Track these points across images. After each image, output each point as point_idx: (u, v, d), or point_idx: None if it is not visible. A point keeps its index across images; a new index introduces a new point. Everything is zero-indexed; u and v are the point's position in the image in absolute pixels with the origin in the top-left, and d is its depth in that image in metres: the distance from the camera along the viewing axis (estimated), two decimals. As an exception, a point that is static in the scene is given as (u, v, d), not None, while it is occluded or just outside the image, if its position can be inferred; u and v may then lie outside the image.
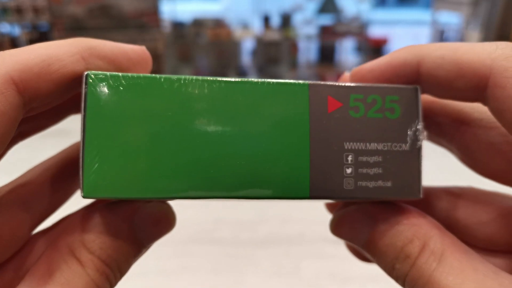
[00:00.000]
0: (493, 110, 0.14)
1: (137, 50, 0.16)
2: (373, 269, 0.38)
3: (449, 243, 0.14)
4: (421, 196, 0.15)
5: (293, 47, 2.61)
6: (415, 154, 0.15)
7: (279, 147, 0.14)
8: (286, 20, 2.57)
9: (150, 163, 0.14)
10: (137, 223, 0.15)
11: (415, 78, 0.16)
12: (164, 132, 0.14)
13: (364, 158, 0.15)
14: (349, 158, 0.15)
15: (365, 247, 0.16)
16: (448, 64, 0.15)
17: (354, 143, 0.15)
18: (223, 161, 0.14)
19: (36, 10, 2.22)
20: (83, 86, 0.14)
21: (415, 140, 0.15)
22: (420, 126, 0.15)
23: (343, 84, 0.15)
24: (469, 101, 0.16)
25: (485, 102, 0.15)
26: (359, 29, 2.57)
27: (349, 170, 0.15)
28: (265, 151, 0.14)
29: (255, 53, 2.68)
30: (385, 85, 0.15)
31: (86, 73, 0.14)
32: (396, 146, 0.15)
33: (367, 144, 0.15)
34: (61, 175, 0.18)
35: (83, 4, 2.01)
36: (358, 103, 0.15)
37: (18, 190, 0.17)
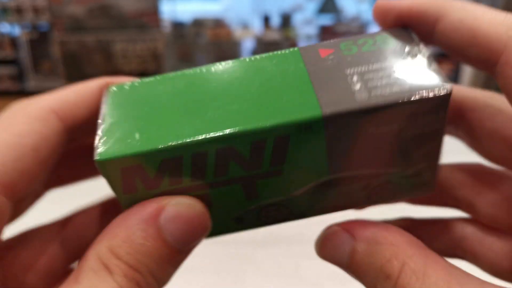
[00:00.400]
0: (502, 87, 0.14)
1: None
2: (373, 269, 0.38)
3: (431, 262, 0.13)
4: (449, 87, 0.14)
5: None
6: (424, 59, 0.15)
7: (282, 86, 0.14)
8: (286, 20, 2.57)
9: (163, 120, 0.14)
10: (163, 225, 0.14)
11: (430, 30, 0.16)
12: (176, 97, 0.15)
13: (371, 75, 0.14)
14: (354, 78, 0.14)
15: (348, 268, 0.15)
16: (465, 29, 0.14)
17: (356, 68, 0.14)
18: (232, 102, 0.14)
19: (36, 10, 2.22)
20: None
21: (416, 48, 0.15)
22: (415, 38, 0.15)
23: (331, 40, 0.16)
24: (477, 68, 0.16)
25: (494, 75, 0.14)
26: (359, 29, 2.58)
27: (357, 86, 0.14)
28: (270, 90, 0.14)
29: (255, 53, 2.67)
30: (374, 32, 0.16)
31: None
32: (399, 59, 0.15)
33: (370, 65, 0.15)
34: (103, 218, 0.19)
35: (83, 4, 2.01)
36: (350, 46, 0.15)
37: (58, 228, 0.19)
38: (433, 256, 0.14)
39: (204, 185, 0.15)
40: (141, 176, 0.14)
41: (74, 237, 0.19)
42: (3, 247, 0.17)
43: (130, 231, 0.14)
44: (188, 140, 0.14)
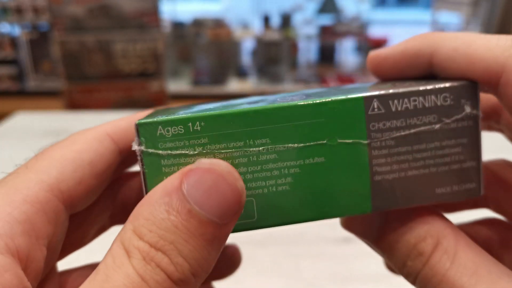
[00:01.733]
0: (506, 107, 0.14)
1: None
2: (373, 269, 0.38)
3: (462, 243, 0.14)
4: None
5: (293, 47, 2.61)
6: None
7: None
8: (286, 20, 2.57)
9: None
10: (187, 192, 0.12)
11: (428, 68, 0.16)
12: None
13: None
14: None
15: (376, 243, 0.16)
16: (461, 58, 0.15)
17: None
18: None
19: (36, 10, 2.22)
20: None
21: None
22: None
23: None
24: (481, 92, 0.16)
25: (498, 97, 0.15)
26: (359, 29, 2.57)
27: None
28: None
29: (255, 53, 2.68)
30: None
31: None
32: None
33: None
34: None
35: (83, 4, 2.01)
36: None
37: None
38: (465, 238, 0.14)
39: None
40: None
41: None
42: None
43: (153, 207, 0.12)
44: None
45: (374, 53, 0.17)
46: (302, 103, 0.14)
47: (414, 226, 0.15)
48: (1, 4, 2.21)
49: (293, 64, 2.62)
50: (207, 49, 2.54)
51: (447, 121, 0.15)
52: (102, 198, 0.19)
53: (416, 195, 0.15)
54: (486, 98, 0.17)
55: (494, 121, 0.18)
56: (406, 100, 0.14)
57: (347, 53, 2.92)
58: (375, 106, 0.14)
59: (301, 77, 2.55)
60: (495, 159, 0.19)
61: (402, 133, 0.15)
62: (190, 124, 0.14)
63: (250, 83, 2.53)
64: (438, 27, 2.52)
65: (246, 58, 2.82)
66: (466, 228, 0.19)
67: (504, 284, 0.13)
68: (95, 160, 0.16)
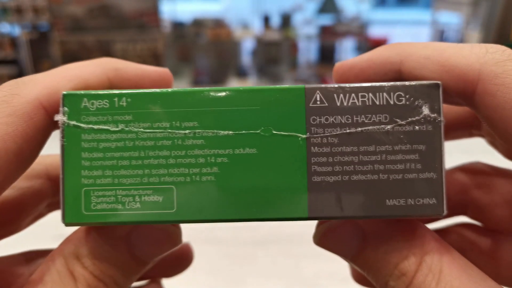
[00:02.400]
0: (483, 118, 0.13)
1: (160, 72, 0.17)
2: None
3: (447, 259, 0.13)
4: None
5: (293, 47, 2.61)
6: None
7: None
8: (286, 20, 2.57)
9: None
10: (134, 243, 0.15)
11: (396, 77, 0.15)
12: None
13: None
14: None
15: (353, 261, 0.15)
16: (433, 65, 0.13)
17: None
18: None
19: (36, 10, 2.22)
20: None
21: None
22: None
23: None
24: (453, 105, 0.15)
25: (473, 108, 0.14)
26: (359, 29, 2.57)
27: None
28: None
29: (255, 53, 2.68)
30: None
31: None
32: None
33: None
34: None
35: (83, 4, 2.01)
36: None
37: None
38: (449, 252, 0.13)
39: None
40: None
41: None
42: None
43: (98, 243, 0.14)
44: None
45: (339, 63, 0.16)
46: (236, 88, 0.13)
47: (395, 244, 0.13)
48: (1, 4, 2.21)
49: (293, 64, 2.62)
50: (207, 49, 2.54)
51: (401, 122, 0.13)
52: (40, 187, 0.18)
53: (362, 204, 0.13)
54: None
55: (475, 128, 0.18)
56: (353, 95, 0.13)
57: (347, 53, 2.92)
58: (318, 98, 0.13)
59: (301, 77, 2.55)
60: (471, 162, 0.19)
61: (347, 131, 0.13)
62: (116, 99, 0.13)
63: (250, 83, 2.53)
64: (438, 27, 2.52)
65: (246, 58, 2.82)
66: (441, 234, 0.19)
67: None
68: (22, 149, 0.13)
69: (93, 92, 0.13)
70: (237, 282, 0.35)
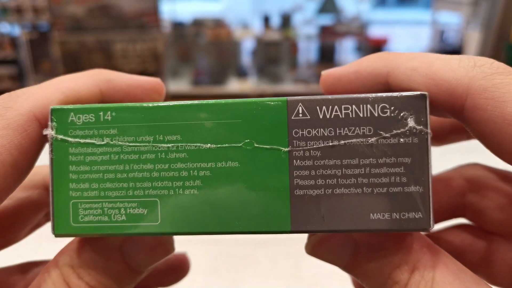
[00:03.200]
0: (474, 132, 0.13)
1: (151, 82, 0.17)
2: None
3: (440, 265, 0.13)
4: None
5: (293, 47, 2.61)
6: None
7: None
8: (286, 20, 2.57)
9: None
10: (127, 252, 0.15)
11: (385, 89, 0.14)
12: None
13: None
14: None
15: (347, 270, 0.15)
16: (421, 78, 0.13)
17: None
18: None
19: (36, 10, 2.22)
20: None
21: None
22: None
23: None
24: (441, 117, 0.14)
25: (463, 122, 0.13)
26: (359, 29, 2.57)
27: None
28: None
29: (255, 53, 2.68)
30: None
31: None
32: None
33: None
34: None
35: (83, 4, 2.01)
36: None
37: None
38: (442, 258, 0.13)
39: None
40: None
41: None
42: None
43: (92, 254, 0.14)
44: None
45: (326, 73, 0.16)
46: (218, 101, 0.13)
47: (387, 253, 0.13)
48: (1, 4, 2.21)
49: (293, 64, 2.62)
50: (207, 49, 2.54)
51: (385, 135, 0.13)
52: (38, 197, 0.18)
53: (345, 218, 0.13)
54: None
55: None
56: (336, 107, 0.13)
57: (347, 53, 2.92)
58: (300, 111, 0.13)
59: (301, 77, 2.55)
60: (468, 164, 0.18)
61: (330, 144, 0.13)
62: (101, 113, 0.14)
63: (250, 83, 2.53)
64: (438, 27, 2.52)
65: (246, 58, 2.82)
66: (438, 235, 0.19)
67: None
68: (18, 161, 0.14)
69: (79, 106, 0.14)
70: (237, 282, 0.35)
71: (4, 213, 0.17)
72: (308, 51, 2.77)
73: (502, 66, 0.13)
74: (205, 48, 2.54)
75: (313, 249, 0.16)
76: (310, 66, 2.70)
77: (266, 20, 2.58)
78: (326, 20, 2.67)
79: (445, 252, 0.13)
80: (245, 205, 0.13)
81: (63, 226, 0.14)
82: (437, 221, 0.19)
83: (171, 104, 0.14)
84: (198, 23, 2.55)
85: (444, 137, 0.18)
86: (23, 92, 0.15)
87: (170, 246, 0.16)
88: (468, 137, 0.18)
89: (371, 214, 0.13)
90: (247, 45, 2.80)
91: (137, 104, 0.14)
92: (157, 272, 0.19)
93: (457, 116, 0.13)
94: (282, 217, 0.13)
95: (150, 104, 0.14)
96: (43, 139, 0.14)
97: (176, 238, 0.16)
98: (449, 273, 0.13)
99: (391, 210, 0.13)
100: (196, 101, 0.13)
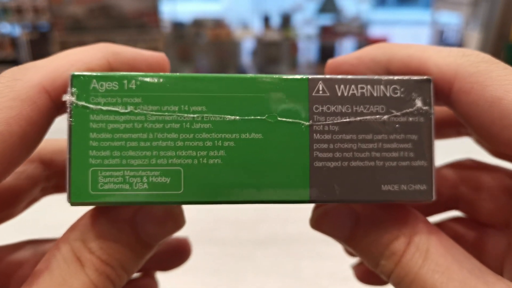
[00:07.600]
0: (459, 115, 0.14)
1: (156, 57, 0.17)
2: (373, 269, 0.38)
3: (434, 239, 0.14)
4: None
5: (293, 47, 2.61)
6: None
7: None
8: (286, 20, 2.57)
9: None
10: (139, 224, 0.15)
11: (384, 73, 0.16)
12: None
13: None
14: None
15: (347, 242, 0.16)
16: (415, 63, 0.15)
17: None
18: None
19: (36, 10, 2.22)
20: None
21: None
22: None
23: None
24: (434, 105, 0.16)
25: (450, 106, 0.15)
26: (359, 29, 2.58)
27: None
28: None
29: (255, 53, 2.68)
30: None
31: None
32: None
33: None
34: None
35: (83, 4, 2.01)
36: None
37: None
38: (437, 233, 0.14)
39: None
40: None
41: None
42: None
43: (105, 228, 0.14)
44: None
45: (331, 60, 0.17)
46: (244, 76, 0.14)
47: (387, 225, 0.14)
48: (1, 4, 2.21)
49: (293, 64, 2.62)
50: (207, 49, 2.54)
51: (396, 113, 0.14)
52: (34, 171, 0.18)
53: (360, 189, 0.14)
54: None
55: (462, 126, 0.18)
56: (353, 86, 0.14)
57: (347, 53, 2.91)
58: (320, 88, 0.14)
59: (301, 77, 2.55)
60: (462, 159, 0.19)
61: (347, 120, 0.14)
62: (125, 81, 0.14)
63: (250, 83, 2.53)
64: (438, 27, 2.52)
65: (246, 58, 2.82)
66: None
67: (475, 281, 0.13)
68: (27, 132, 0.13)
69: (102, 73, 0.14)
70: (237, 282, 0.35)
71: (1, 187, 0.17)
72: (308, 51, 2.77)
73: (487, 56, 0.14)
74: (205, 48, 2.54)
75: (316, 222, 0.16)
76: (310, 66, 2.70)
77: (266, 20, 2.58)
78: (326, 20, 2.67)
79: (438, 229, 0.14)
80: (267, 176, 0.14)
81: (81, 194, 0.13)
82: (432, 213, 0.20)
83: (197, 75, 0.14)
84: (198, 23, 2.55)
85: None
86: (32, 65, 0.15)
87: (182, 220, 0.16)
88: (457, 133, 0.19)
89: (382, 186, 0.14)
90: (247, 45, 2.80)
91: (163, 74, 0.14)
92: (158, 256, 0.19)
93: (445, 100, 0.15)
94: (302, 187, 0.14)
95: (177, 74, 0.14)
96: (52, 113, 0.14)
97: (178, 232, 0.16)
98: (442, 246, 0.14)
99: (400, 182, 0.14)
100: (222, 75, 0.14)
